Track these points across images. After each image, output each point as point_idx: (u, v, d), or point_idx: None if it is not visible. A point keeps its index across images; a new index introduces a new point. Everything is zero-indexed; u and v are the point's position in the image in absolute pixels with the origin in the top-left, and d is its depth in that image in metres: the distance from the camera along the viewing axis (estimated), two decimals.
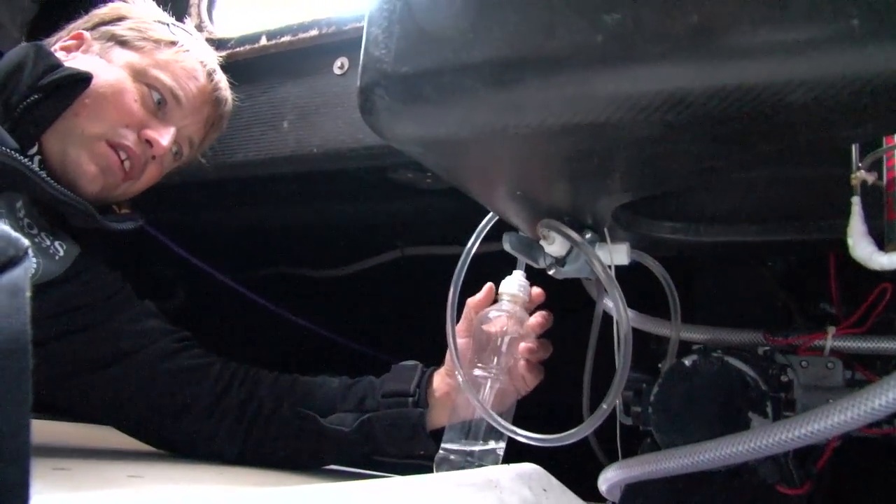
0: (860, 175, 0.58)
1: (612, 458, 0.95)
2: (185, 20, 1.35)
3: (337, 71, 1.20)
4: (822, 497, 0.93)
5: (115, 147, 1.04)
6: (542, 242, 0.83)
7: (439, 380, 1.09)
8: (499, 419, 0.87)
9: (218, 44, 1.32)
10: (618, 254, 0.82)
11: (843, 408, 0.67)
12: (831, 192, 0.81)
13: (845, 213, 0.83)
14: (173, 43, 1.12)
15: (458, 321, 0.98)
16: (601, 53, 0.48)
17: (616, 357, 0.79)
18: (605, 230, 0.83)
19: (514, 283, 0.99)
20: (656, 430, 0.86)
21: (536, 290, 1.02)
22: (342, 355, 1.86)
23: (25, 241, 0.48)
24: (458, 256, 1.57)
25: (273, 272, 1.94)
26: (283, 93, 1.26)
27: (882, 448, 0.92)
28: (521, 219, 0.84)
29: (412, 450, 1.08)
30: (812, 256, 1.01)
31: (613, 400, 0.77)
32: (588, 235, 0.82)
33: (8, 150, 0.93)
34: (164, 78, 1.09)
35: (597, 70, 0.49)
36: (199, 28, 1.35)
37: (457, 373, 0.93)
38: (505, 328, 0.98)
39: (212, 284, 1.68)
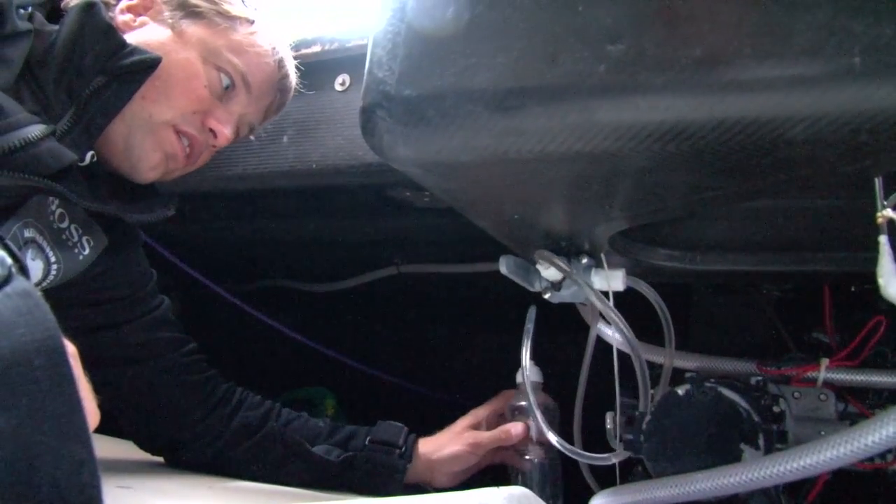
0: (887, 213, 0.56)
1: (601, 485, 0.95)
2: None
3: (338, 87, 1.21)
4: None
5: (180, 134, 0.98)
6: (538, 267, 0.84)
7: (424, 444, 1.15)
8: (557, 437, 0.93)
9: None
10: (614, 280, 0.82)
11: (836, 443, 0.66)
12: (827, 224, 0.81)
13: (842, 246, 0.84)
14: (249, 21, 1.01)
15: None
16: (604, 83, 0.48)
17: (639, 385, 0.85)
18: (602, 256, 0.83)
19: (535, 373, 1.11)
20: (648, 458, 0.86)
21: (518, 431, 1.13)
22: (336, 370, 1.85)
23: (8, 260, 0.46)
24: (455, 275, 1.57)
25: (269, 285, 1.94)
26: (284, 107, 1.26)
27: (874, 482, 0.92)
28: (519, 242, 0.84)
29: (384, 495, 1.09)
30: (807, 286, 1.01)
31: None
32: (584, 260, 0.83)
33: (48, 182, 0.85)
34: (237, 62, 1.00)
35: (599, 99, 0.49)
36: None
37: (531, 401, 1.01)
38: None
39: (207, 296, 1.67)
